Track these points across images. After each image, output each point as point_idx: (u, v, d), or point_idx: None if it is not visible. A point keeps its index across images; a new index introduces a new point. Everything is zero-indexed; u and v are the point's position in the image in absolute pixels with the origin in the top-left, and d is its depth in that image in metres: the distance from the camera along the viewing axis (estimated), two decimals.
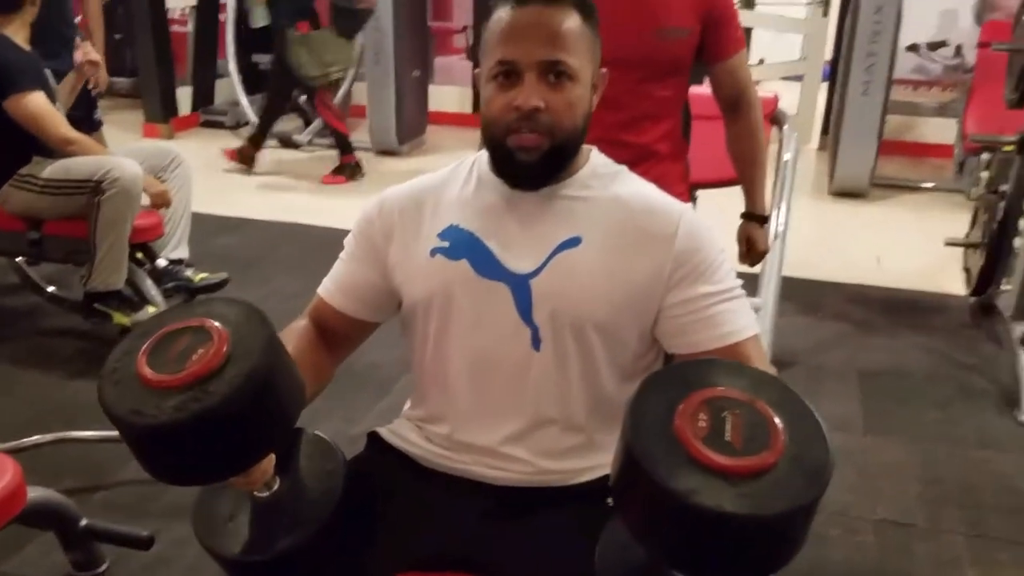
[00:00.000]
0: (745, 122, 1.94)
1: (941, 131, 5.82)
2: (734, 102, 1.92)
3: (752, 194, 2.02)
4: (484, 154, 1.24)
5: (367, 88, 5.65)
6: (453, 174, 1.28)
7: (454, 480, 1.23)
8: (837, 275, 3.80)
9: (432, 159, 5.76)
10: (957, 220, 4.19)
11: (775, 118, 2.92)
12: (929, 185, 5.32)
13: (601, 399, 1.21)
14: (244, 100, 6.06)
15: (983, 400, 2.79)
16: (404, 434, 1.30)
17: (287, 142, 5.90)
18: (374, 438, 1.33)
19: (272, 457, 1.07)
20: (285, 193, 5.10)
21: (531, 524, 1.17)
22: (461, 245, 1.20)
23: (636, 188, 1.24)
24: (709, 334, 1.14)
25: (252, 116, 5.89)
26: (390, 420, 1.36)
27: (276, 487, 1.09)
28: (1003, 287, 3.26)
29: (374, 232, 1.27)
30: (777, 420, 0.88)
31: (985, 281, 3.32)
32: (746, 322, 1.16)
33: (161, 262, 3.12)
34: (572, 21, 1.13)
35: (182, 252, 3.22)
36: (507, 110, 1.12)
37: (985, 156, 4.78)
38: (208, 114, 6.47)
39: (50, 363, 2.92)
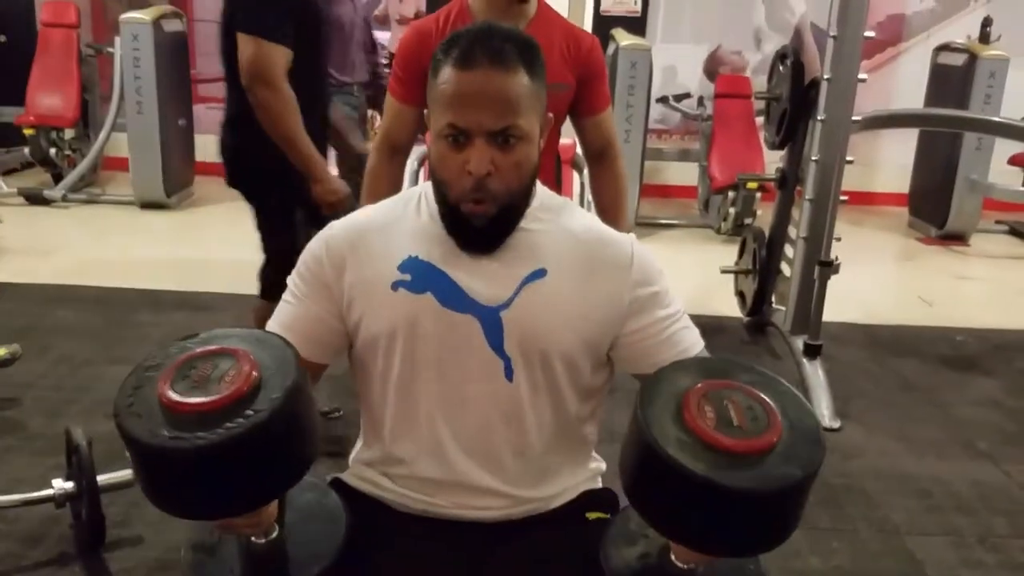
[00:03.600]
0: (611, 171, 2.05)
1: (680, 174, 6.47)
2: (601, 153, 2.03)
3: None
4: (430, 189, 1.23)
5: (128, 139, 5.31)
6: (400, 207, 1.26)
7: (434, 524, 1.22)
8: None
9: (204, 211, 5.50)
10: (710, 251, 4.67)
11: (575, 163, 3.14)
12: (677, 222, 5.88)
13: (567, 422, 1.24)
14: None
15: None
16: (372, 479, 1.26)
17: (35, 199, 5.37)
18: (338, 484, 1.27)
19: (275, 501, 1.03)
20: (51, 255, 4.63)
21: (520, 556, 1.18)
22: (423, 277, 1.18)
23: (585, 221, 1.28)
24: (669, 354, 1.19)
25: None
26: None
27: (275, 534, 1.05)
28: (774, 307, 3.69)
29: (323, 271, 1.22)
30: (767, 398, 0.97)
31: (758, 302, 3.74)
32: (695, 337, 1.25)
33: None
34: (520, 81, 1.13)
35: None
36: (461, 174, 1.13)
37: (731, 194, 5.42)
38: None
39: None
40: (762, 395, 0.98)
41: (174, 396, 0.91)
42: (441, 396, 1.20)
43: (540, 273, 1.19)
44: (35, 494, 2.06)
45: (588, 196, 3.14)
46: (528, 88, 1.15)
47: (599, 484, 1.34)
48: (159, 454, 0.89)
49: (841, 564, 2.23)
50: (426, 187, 1.25)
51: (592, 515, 1.24)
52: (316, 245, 1.25)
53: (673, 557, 1.05)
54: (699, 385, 0.98)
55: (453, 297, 1.17)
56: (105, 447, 2.21)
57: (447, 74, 1.14)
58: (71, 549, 2.07)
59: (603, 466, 1.36)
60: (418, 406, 1.21)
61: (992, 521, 2.45)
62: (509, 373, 1.18)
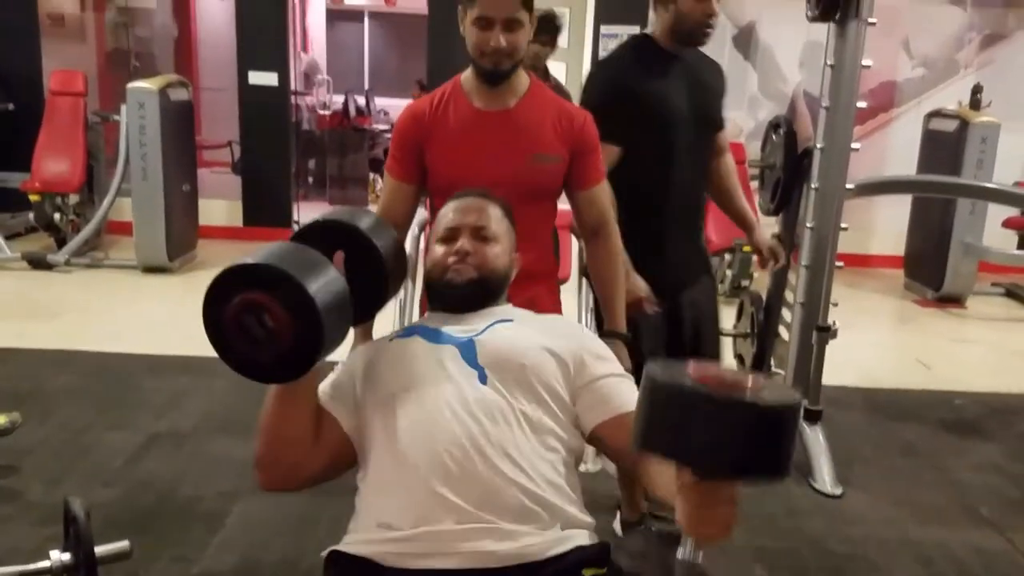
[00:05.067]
0: (606, 246, 2.03)
1: None
2: (596, 228, 2.03)
3: (613, 312, 2.07)
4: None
5: (132, 203, 5.38)
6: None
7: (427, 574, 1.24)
8: None
9: (206, 274, 5.44)
10: None
11: (573, 229, 3.18)
12: None
13: (549, 439, 1.38)
14: None
15: None
16: (364, 537, 1.30)
17: (39, 263, 5.41)
18: (336, 556, 1.31)
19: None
20: (54, 319, 4.65)
21: None
22: (412, 331, 1.57)
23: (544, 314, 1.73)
24: (618, 402, 1.43)
25: None
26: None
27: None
28: (774, 370, 3.69)
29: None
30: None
31: (757, 366, 3.75)
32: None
33: None
34: (496, 210, 1.69)
35: None
36: (448, 254, 1.62)
37: (728, 257, 5.46)
38: None
39: None
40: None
41: None
42: (427, 412, 1.37)
43: (507, 320, 1.58)
44: (32, 566, 2.04)
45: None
46: (502, 216, 1.70)
47: (589, 541, 1.36)
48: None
49: None
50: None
51: (588, 572, 1.27)
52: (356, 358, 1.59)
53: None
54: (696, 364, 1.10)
55: (435, 337, 1.52)
56: (104, 516, 2.21)
57: (451, 201, 1.71)
58: None
59: (592, 522, 1.40)
60: (406, 423, 1.38)
61: None
62: (483, 379, 1.42)
